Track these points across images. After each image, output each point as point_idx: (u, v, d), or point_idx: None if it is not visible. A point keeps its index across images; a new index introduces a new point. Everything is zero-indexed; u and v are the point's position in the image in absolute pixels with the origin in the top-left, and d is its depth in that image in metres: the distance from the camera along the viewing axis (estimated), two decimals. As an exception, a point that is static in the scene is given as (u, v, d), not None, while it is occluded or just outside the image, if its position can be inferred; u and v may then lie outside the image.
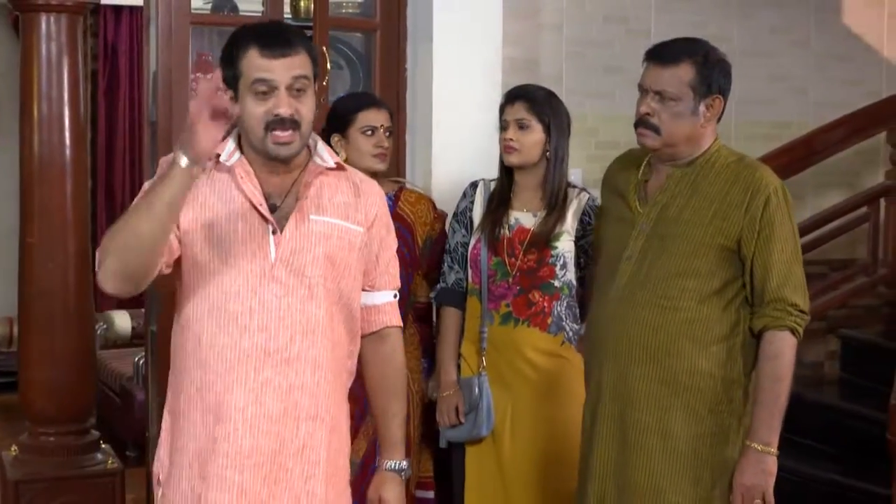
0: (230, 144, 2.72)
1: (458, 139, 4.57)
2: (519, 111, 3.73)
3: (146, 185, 2.69)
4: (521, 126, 3.71)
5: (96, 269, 2.55)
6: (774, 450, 3.03)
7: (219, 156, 2.71)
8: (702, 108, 3.06)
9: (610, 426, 3.12)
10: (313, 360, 2.67)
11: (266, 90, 2.61)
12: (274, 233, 2.65)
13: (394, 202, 3.89)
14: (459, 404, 3.74)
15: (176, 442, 2.71)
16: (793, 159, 5.13)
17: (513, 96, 3.78)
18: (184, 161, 2.46)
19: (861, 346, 5.56)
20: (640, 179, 3.19)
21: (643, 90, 3.08)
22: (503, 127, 3.77)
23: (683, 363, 3.03)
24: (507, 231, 3.75)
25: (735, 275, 3.06)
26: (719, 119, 3.14)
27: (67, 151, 4.47)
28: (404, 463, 2.92)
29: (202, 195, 2.68)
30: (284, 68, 2.61)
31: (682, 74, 3.02)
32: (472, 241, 3.81)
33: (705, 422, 3.04)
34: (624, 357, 3.08)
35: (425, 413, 3.96)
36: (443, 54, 4.60)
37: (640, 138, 3.10)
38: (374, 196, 2.84)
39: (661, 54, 3.06)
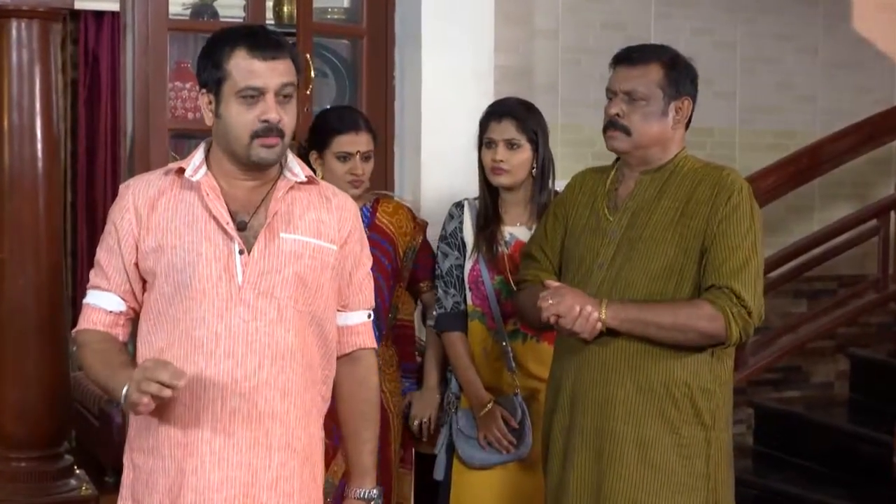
0: (198, 157, 2.63)
1: (448, 150, 4.49)
2: (508, 130, 3.61)
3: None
4: (511, 146, 3.61)
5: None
6: (604, 316, 2.91)
7: (183, 170, 2.61)
8: (671, 110, 3.06)
9: (586, 437, 3.05)
10: (283, 386, 2.57)
11: (254, 95, 2.53)
12: (241, 253, 2.56)
13: (371, 213, 3.81)
14: (507, 417, 3.54)
15: (145, 480, 2.60)
16: (799, 169, 5.02)
17: (499, 114, 3.66)
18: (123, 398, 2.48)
19: (871, 365, 5.47)
20: (608, 188, 3.16)
21: (612, 93, 3.10)
22: (488, 145, 3.64)
23: (659, 370, 2.98)
24: (504, 248, 3.65)
25: None
26: (687, 126, 3.12)
27: (40, 163, 4.34)
28: (374, 491, 2.83)
29: (164, 218, 2.59)
30: (273, 72, 2.54)
31: (651, 75, 3.04)
32: (469, 264, 3.70)
33: (680, 431, 2.99)
34: (599, 365, 3.03)
35: (405, 436, 3.86)
36: (432, 62, 4.53)
37: (610, 141, 3.09)
38: (348, 211, 2.74)
39: (629, 57, 3.09)
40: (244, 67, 2.53)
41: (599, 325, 2.93)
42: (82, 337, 2.66)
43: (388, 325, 3.79)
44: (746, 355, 4.91)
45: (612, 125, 3.06)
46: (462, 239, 3.71)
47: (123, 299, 2.65)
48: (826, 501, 4.57)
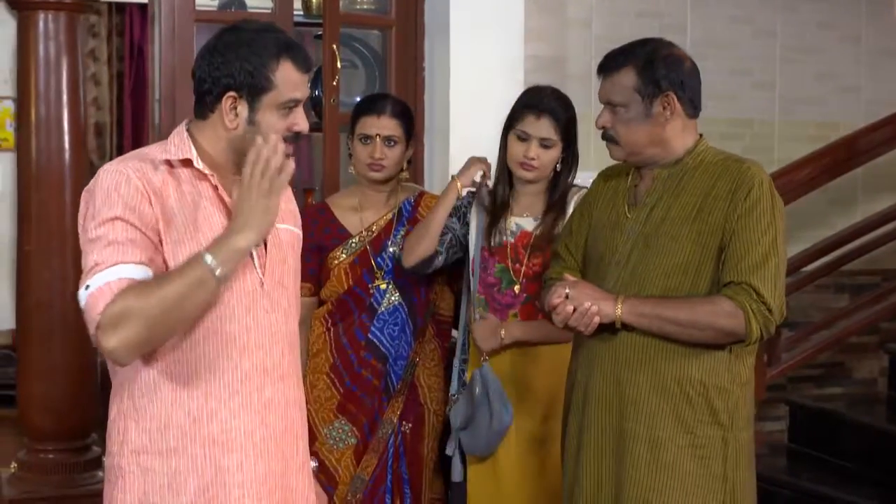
0: (191, 147, 2.51)
1: (478, 141, 4.31)
2: (545, 129, 3.54)
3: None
4: (545, 146, 3.54)
5: (98, 334, 2.29)
6: (621, 312, 2.86)
7: (191, 161, 2.52)
8: (656, 108, 2.95)
9: (599, 435, 3.00)
10: (296, 373, 2.65)
11: (293, 107, 2.53)
12: (256, 245, 2.51)
13: (414, 207, 3.77)
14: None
15: (166, 483, 2.48)
16: (835, 161, 4.84)
17: (538, 110, 3.55)
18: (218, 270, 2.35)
19: (911, 362, 5.30)
20: (629, 184, 3.09)
21: (602, 103, 3.04)
22: (521, 137, 3.55)
23: (673, 368, 2.91)
24: (509, 237, 3.60)
25: None
26: (696, 115, 3.01)
27: (66, 155, 4.36)
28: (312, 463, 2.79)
29: (177, 210, 2.49)
30: (307, 84, 2.57)
31: (624, 80, 2.96)
32: (474, 252, 3.64)
33: (695, 432, 2.91)
34: (612, 362, 2.97)
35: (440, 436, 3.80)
36: (462, 52, 4.48)
37: (609, 152, 3.05)
38: (293, 201, 2.79)
39: (605, 64, 3.02)
40: (291, 80, 2.50)
41: (597, 319, 2.87)
42: (116, 303, 2.31)
43: (425, 319, 3.74)
44: (780, 351, 4.79)
45: (605, 137, 3.02)
46: (464, 213, 3.67)
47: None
48: (860, 502, 4.42)
